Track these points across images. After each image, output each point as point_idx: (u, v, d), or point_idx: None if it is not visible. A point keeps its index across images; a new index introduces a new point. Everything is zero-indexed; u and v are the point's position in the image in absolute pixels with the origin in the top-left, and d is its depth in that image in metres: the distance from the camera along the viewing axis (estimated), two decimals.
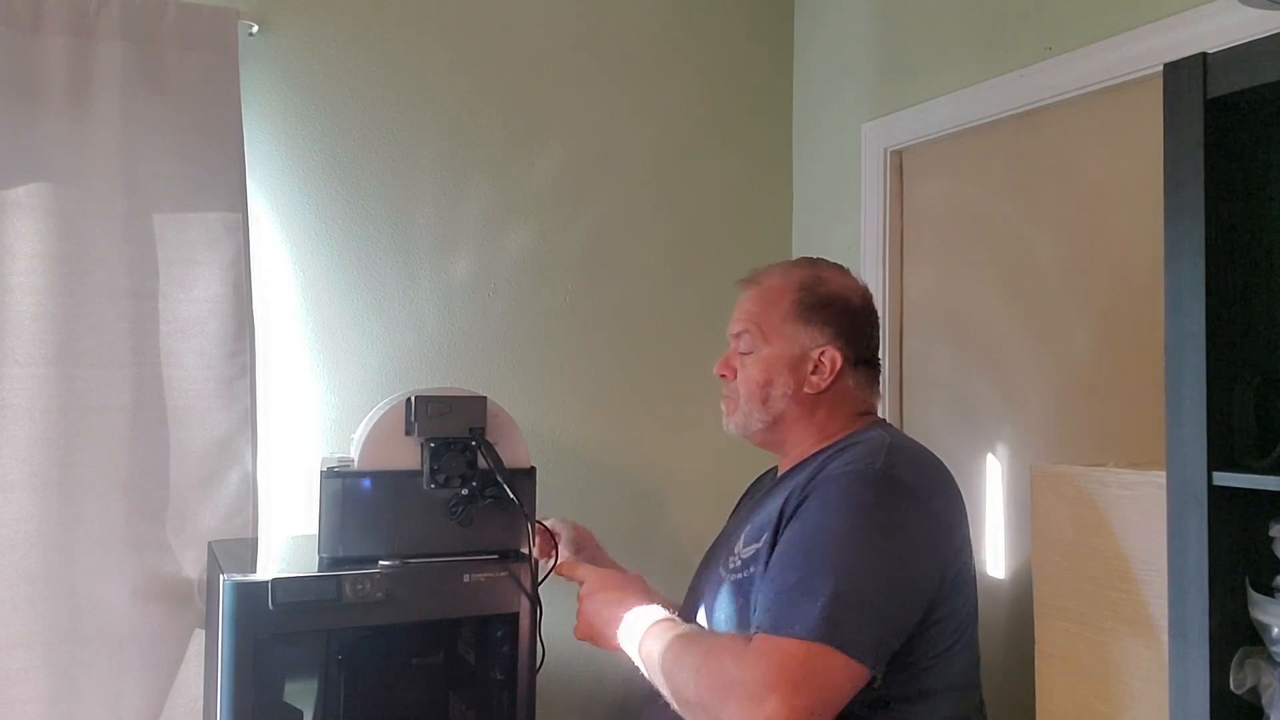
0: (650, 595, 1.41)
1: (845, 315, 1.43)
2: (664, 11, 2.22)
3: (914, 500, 1.27)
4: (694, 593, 1.47)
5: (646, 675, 1.31)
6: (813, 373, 1.41)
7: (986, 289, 1.88)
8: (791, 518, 1.28)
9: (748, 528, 1.38)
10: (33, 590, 1.59)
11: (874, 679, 1.18)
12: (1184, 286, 1.03)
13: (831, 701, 1.15)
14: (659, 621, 1.32)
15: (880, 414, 1.50)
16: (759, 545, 1.32)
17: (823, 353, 1.40)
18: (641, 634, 1.32)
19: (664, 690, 1.26)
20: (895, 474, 1.28)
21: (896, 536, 1.24)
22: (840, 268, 1.50)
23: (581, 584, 1.45)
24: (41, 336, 1.61)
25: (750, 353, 1.43)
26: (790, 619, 1.17)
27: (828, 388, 1.41)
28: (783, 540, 1.27)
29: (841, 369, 1.41)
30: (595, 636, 1.41)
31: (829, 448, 1.38)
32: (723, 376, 1.48)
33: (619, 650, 1.37)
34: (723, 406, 1.49)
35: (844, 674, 1.15)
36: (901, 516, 1.26)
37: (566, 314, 2.10)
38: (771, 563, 1.26)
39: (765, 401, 1.41)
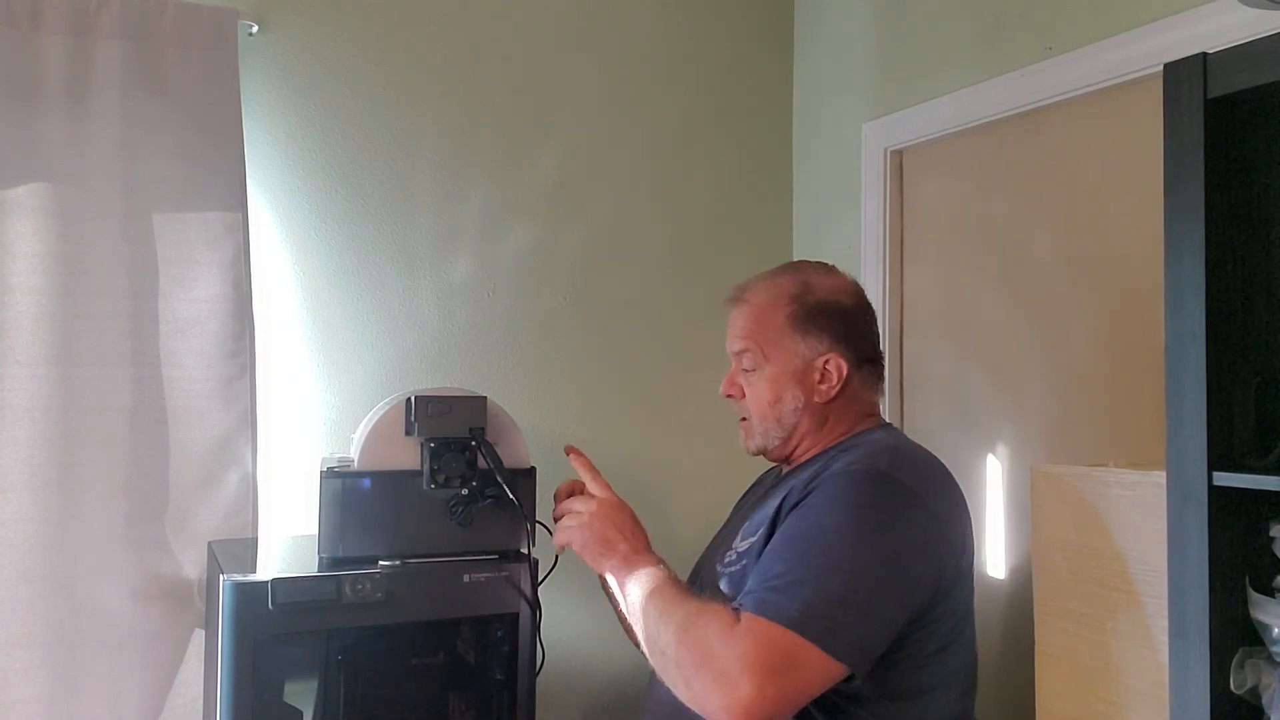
0: (650, 550, 1.38)
1: (840, 319, 1.41)
2: (664, 11, 2.22)
3: (912, 501, 1.27)
4: (691, 587, 1.47)
5: (624, 609, 1.33)
6: (820, 382, 1.40)
7: (986, 289, 1.88)
8: (790, 513, 1.29)
9: (746, 524, 1.39)
10: (32, 590, 1.59)
11: (852, 676, 1.18)
12: (1184, 286, 1.03)
13: (801, 693, 1.16)
14: (655, 567, 1.32)
15: (881, 413, 1.50)
16: (754, 539, 1.33)
17: (827, 361, 1.39)
18: (635, 572, 1.31)
19: (640, 632, 1.27)
20: (895, 475, 1.28)
21: (892, 536, 1.24)
22: (826, 267, 1.47)
23: (594, 496, 1.41)
24: (41, 336, 1.61)
25: (754, 370, 1.42)
26: (775, 606, 1.17)
27: (837, 394, 1.40)
28: (778, 533, 1.28)
29: (848, 374, 1.40)
30: (587, 551, 1.38)
31: (833, 448, 1.39)
32: (730, 396, 1.47)
33: (601, 572, 1.37)
34: (740, 430, 1.48)
35: (819, 669, 1.15)
36: (898, 516, 1.26)
37: (566, 314, 2.10)
38: (765, 553, 1.27)
39: (779, 419, 1.41)
